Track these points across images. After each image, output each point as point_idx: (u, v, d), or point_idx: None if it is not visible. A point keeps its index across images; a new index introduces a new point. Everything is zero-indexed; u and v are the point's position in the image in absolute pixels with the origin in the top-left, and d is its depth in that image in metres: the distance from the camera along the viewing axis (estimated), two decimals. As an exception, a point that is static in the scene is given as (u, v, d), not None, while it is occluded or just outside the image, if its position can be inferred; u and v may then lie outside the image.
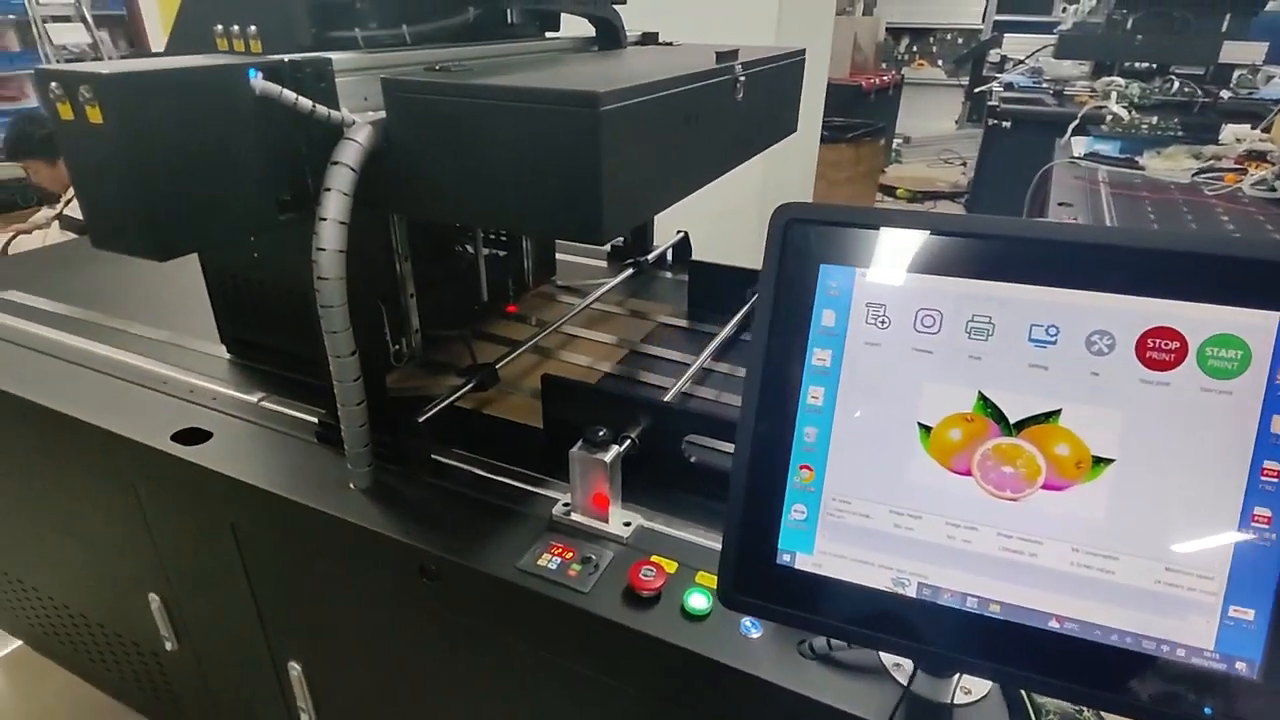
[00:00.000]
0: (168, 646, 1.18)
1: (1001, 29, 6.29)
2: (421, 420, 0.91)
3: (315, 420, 1.01)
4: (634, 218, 0.79)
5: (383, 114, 0.78)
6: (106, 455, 1.03)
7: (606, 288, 1.39)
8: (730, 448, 0.88)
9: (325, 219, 0.73)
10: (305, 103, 0.73)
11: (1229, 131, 2.94)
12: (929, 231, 0.39)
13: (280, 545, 0.96)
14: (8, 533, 1.36)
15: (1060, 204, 2.23)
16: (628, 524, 0.82)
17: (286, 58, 0.74)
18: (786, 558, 0.46)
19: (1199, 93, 4.07)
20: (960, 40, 8.01)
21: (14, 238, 2.33)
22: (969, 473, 0.41)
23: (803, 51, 1.31)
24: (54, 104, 0.62)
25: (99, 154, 0.63)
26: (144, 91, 0.61)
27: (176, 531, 1.06)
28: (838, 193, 4.40)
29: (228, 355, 1.19)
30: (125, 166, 0.62)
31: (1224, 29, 4.51)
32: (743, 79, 0.99)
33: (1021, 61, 5.29)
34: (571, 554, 0.78)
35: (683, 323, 1.34)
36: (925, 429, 0.41)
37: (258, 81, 0.70)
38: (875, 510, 0.43)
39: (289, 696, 1.09)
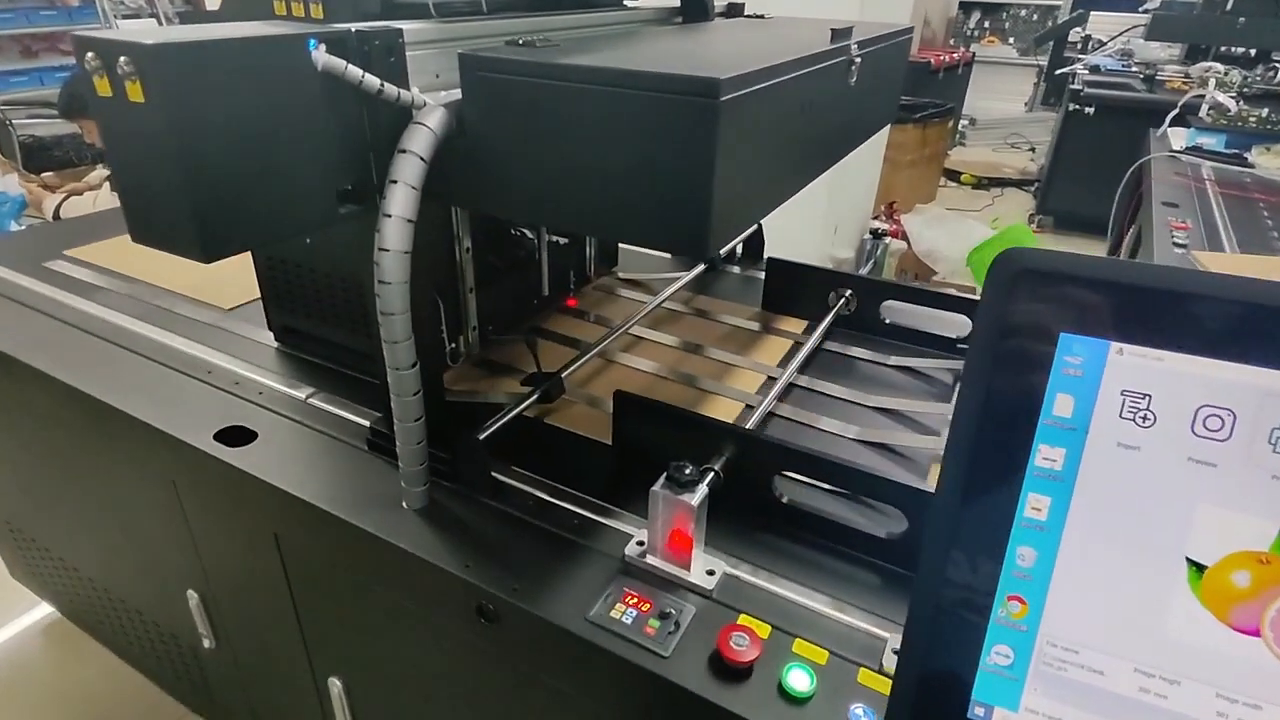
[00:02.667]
0: (206, 645, 1.13)
1: (1084, 6, 5.92)
2: (483, 438, 0.82)
3: (366, 424, 0.93)
4: (740, 226, 0.68)
5: (457, 94, 0.68)
6: (146, 449, 0.97)
7: (675, 286, 1.28)
8: (828, 489, 0.78)
9: (390, 215, 0.64)
10: (372, 80, 0.63)
11: (1345, 127, 2.68)
12: (1238, 300, 0.28)
13: (326, 560, 0.89)
14: (50, 510, 1.32)
15: (1165, 203, 2.04)
16: (711, 572, 0.72)
17: (353, 27, 0.64)
18: (980, 711, 0.36)
19: (1298, 83, 3.76)
20: (1035, 17, 7.59)
21: (66, 199, 2.30)
22: (1257, 632, 0.30)
23: (911, 30, 1.17)
24: (90, 77, 0.53)
25: (139, 137, 0.54)
26: (191, 66, 0.52)
27: (217, 533, 1.00)
28: (901, 176, 4.19)
29: (275, 344, 1.12)
30: (169, 153, 0.53)
31: None
32: (858, 60, 0.86)
33: (1104, 43, 4.97)
34: (649, 606, 0.69)
35: (755, 325, 1.23)
36: (1197, 567, 0.30)
37: (320, 55, 0.61)
38: (1113, 666, 0.33)
39: (327, 711, 1.02)
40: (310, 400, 0.99)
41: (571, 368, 1.00)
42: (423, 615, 0.82)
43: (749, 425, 0.91)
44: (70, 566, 1.40)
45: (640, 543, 0.75)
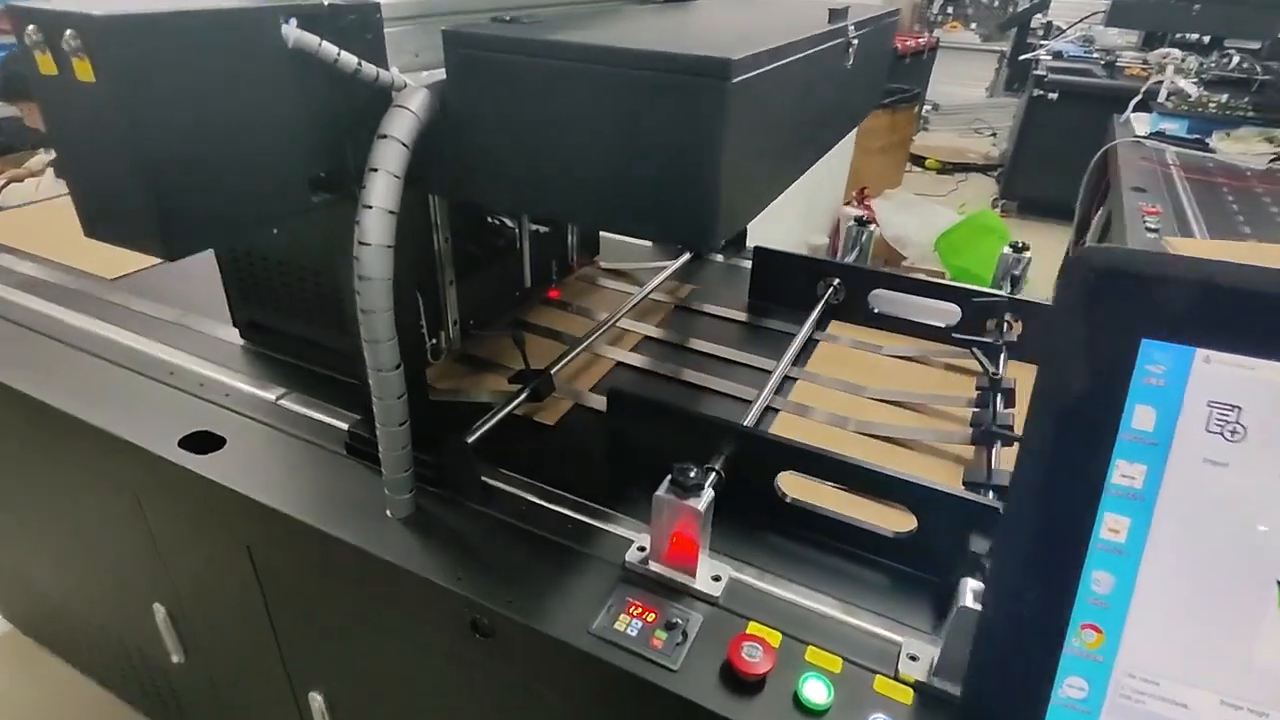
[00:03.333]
0: (174, 659, 1.07)
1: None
2: (471, 441, 0.78)
3: (344, 427, 0.88)
4: (745, 216, 0.65)
5: (439, 75, 0.64)
6: (104, 458, 0.91)
7: (662, 277, 1.24)
8: (833, 491, 0.75)
9: (371, 207, 0.59)
10: (349, 59, 0.58)
11: (1302, 113, 2.75)
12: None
13: (304, 573, 0.84)
14: (2, 521, 1.24)
15: (1134, 189, 2.06)
16: (716, 578, 0.69)
17: (326, 1, 0.59)
18: (1052, 748, 0.33)
19: (1258, 69, 3.84)
20: (996, 3, 7.66)
21: (5, 185, 2.18)
22: (1350, 659, 0.28)
23: (896, 12, 1.14)
24: (31, 53, 0.48)
25: (89, 122, 0.48)
26: (149, 41, 0.47)
27: (184, 545, 0.94)
28: (870, 162, 4.20)
29: (240, 341, 1.06)
30: (124, 138, 0.48)
31: None
32: (855, 42, 0.83)
33: (1064, 29, 5.03)
34: (654, 616, 0.66)
35: (742, 315, 1.20)
36: (1291, 592, 0.28)
37: (291, 30, 0.55)
38: (1198, 699, 0.30)
39: (308, 726, 0.98)
40: (281, 402, 0.93)
41: (560, 364, 0.96)
42: (411, 629, 0.78)
43: (746, 420, 0.88)
44: (24, 578, 1.32)
45: (641, 548, 0.72)
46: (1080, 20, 4.84)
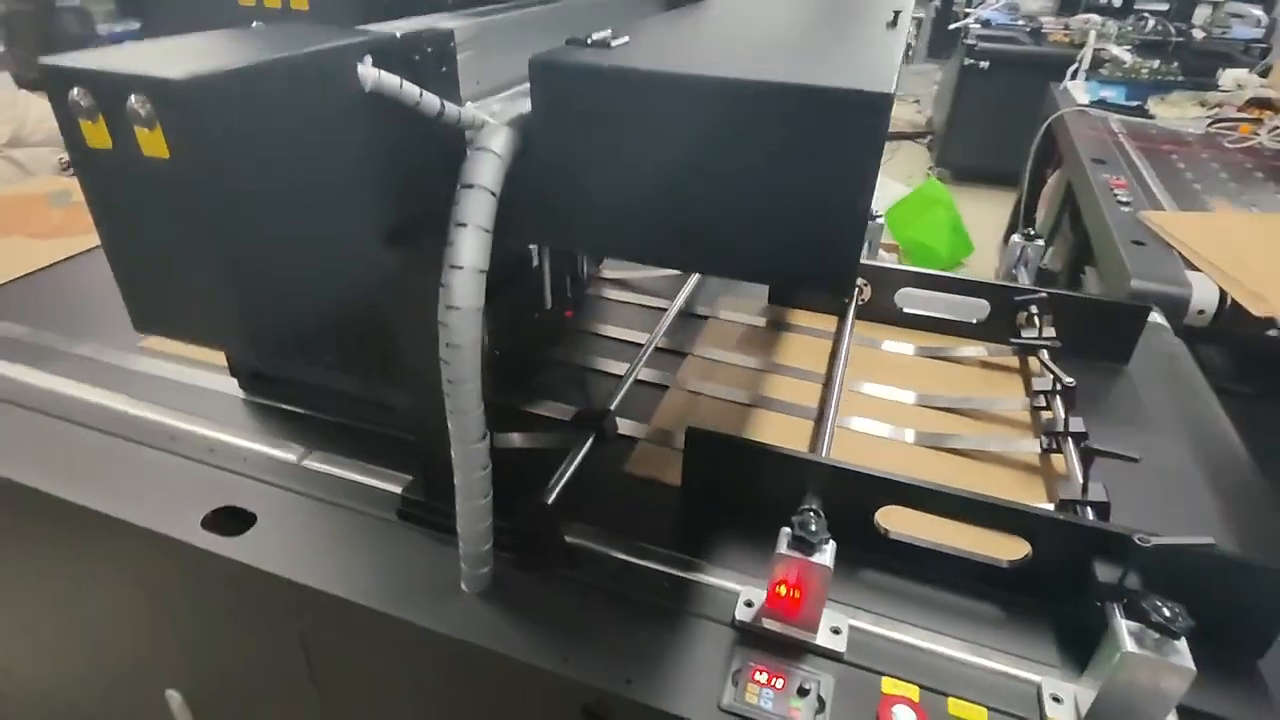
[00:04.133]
0: (192, 749, 0.97)
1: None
2: (551, 502, 0.71)
3: (385, 487, 0.80)
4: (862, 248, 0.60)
5: (516, 108, 0.56)
6: (112, 546, 0.80)
7: (688, 288, 1.19)
8: (922, 518, 0.72)
9: (462, 267, 0.52)
10: (431, 101, 0.50)
11: (1229, 77, 2.88)
12: None
13: (371, 661, 0.75)
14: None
15: (1094, 160, 2.11)
16: (836, 630, 0.65)
17: (397, 31, 0.51)
18: None
19: (1172, 31, 4.00)
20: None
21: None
22: None
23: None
24: (73, 120, 0.38)
25: (156, 203, 0.39)
26: (232, 103, 0.38)
27: (213, 633, 0.84)
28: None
29: (240, 393, 0.95)
30: (204, 221, 0.39)
31: None
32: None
33: (974, 3, 5.13)
34: (783, 681, 0.62)
35: (761, 321, 1.16)
36: None
37: (369, 71, 0.47)
38: None
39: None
40: (306, 463, 0.84)
41: (615, 398, 0.89)
42: (510, 716, 0.72)
43: (810, 444, 0.84)
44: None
45: (749, 603, 0.68)
46: (1001, -13, 4.94)
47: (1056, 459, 0.86)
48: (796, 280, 0.54)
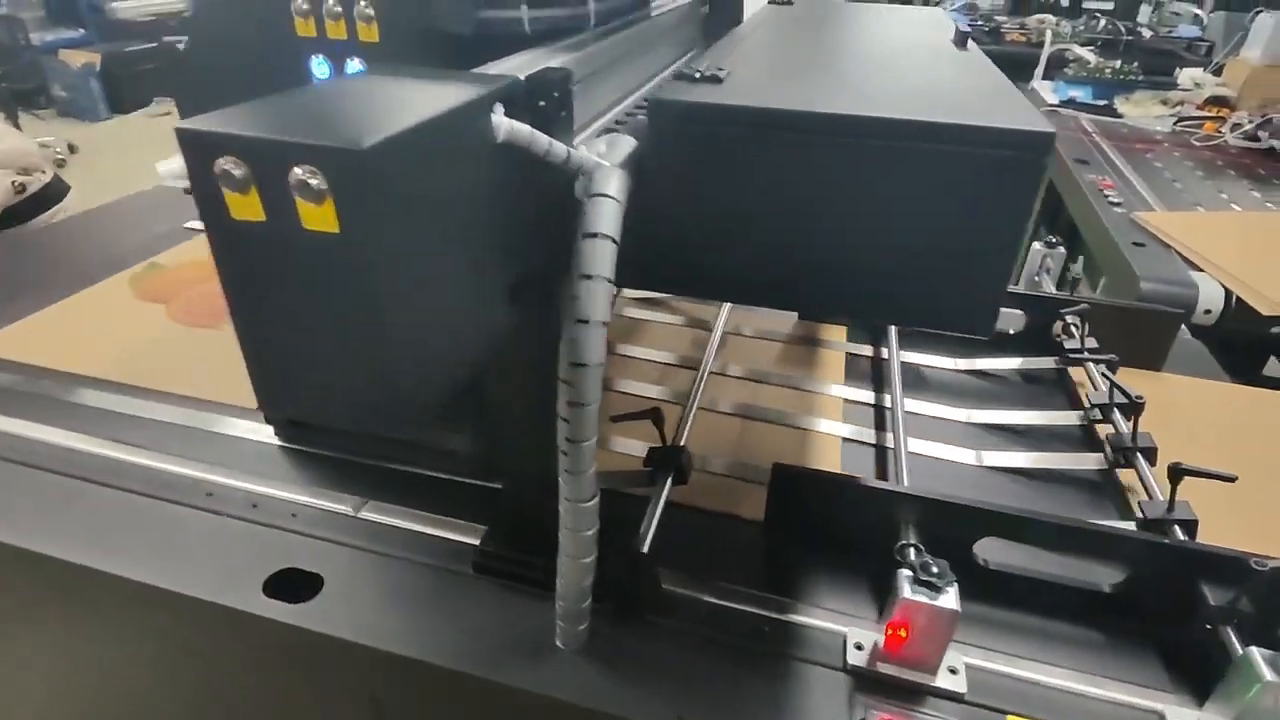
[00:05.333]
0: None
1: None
2: (647, 551, 0.68)
3: (453, 538, 0.76)
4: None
5: (620, 147, 0.53)
6: (153, 618, 0.74)
7: (726, 313, 1.16)
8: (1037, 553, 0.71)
9: (588, 321, 0.49)
10: (559, 149, 0.47)
11: (1186, 76, 2.99)
12: None
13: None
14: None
15: (1077, 160, 2.16)
16: (953, 670, 0.64)
17: (520, 74, 0.47)
18: None
19: (1122, 30, 4.13)
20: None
21: None
22: None
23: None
24: (214, 187, 0.34)
25: (310, 279, 0.35)
26: (403, 167, 0.34)
27: (270, 703, 0.79)
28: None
29: (274, 440, 0.89)
30: (366, 297, 0.35)
31: None
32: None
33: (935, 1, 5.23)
34: (911, 728, 0.60)
35: (795, 336, 1.14)
36: None
37: (502, 121, 0.43)
38: None
39: None
40: (362, 515, 0.79)
41: (684, 432, 0.86)
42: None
43: (877, 470, 0.83)
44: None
45: (858, 645, 0.66)
46: (955, -13, 5.05)
47: (1123, 476, 0.87)
48: (934, 324, 0.52)
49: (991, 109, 0.47)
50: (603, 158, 0.52)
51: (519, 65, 0.52)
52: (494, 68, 0.51)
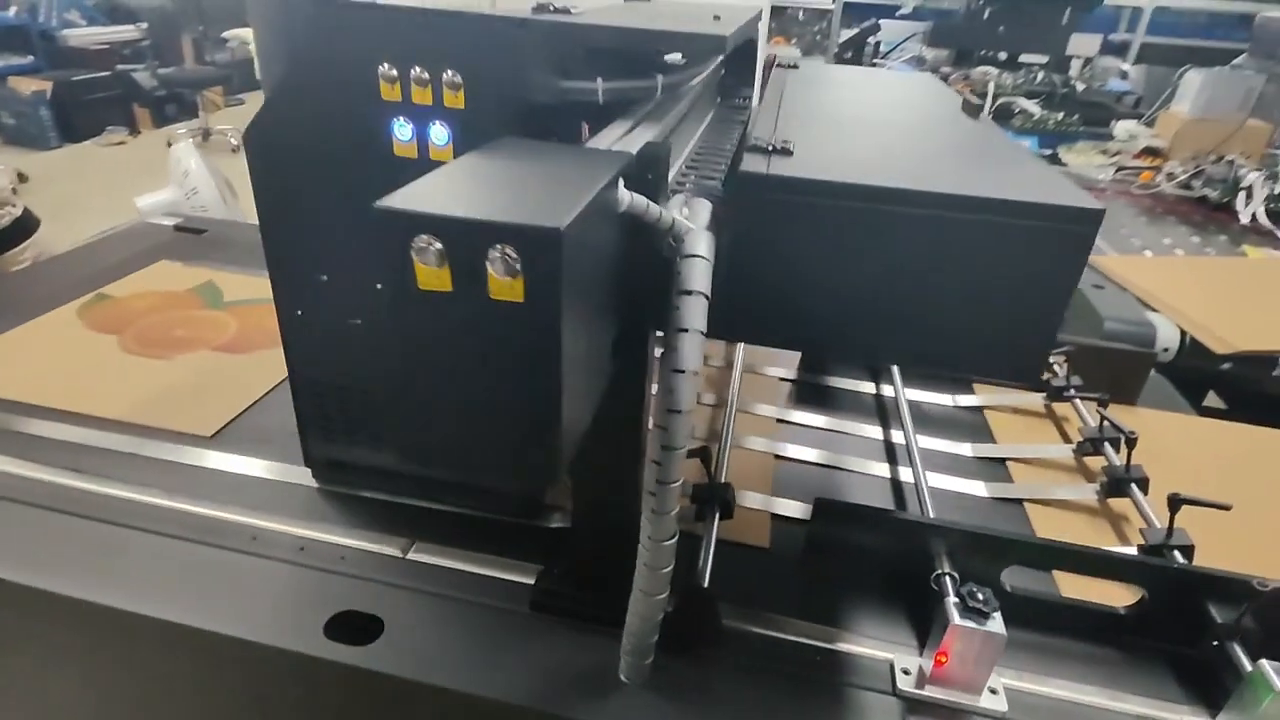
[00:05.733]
0: None
1: (854, 11, 6.59)
2: (706, 584, 0.72)
3: (505, 577, 0.78)
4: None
5: (698, 211, 0.58)
6: (207, 662, 0.74)
7: (741, 353, 1.22)
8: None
9: (684, 371, 0.53)
10: (667, 217, 0.51)
11: (1122, 128, 3.21)
12: None
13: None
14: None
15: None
16: (994, 690, 0.69)
17: (632, 149, 0.52)
18: None
19: (1057, 84, 4.41)
20: (802, 17, 8.25)
21: None
22: None
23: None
24: (401, 259, 0.37)
25: (487, 343, 0.39)
26: (582, 242, 0.38)
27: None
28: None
29: (313, 483, 0.90)
30: (540, 362, 0.39)
31: (1064, 21, 4.86)
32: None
33: (882, 54, 5.52)
34: (962, 747, 0.64)
35: (787, 374, 1.20)
36: None
37: (624, 193, 0.48)
38: None
39: None
40: (412, 556, 0.81)
41: (723, 468, 0.90)
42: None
43: (895, 501, 0.88)
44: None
45: (906, 670, 0.70)
46: (904, 40, 5.35)
47: (1113, 504, 0.94)
48: (986, 372, 0.58)
49: (1042, 185, 0.54)
50: (688, 220, 0.57)
51: (616, 139, 0.57)
52: (597, 141, 0.56)
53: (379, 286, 0.39)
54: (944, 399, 1.16)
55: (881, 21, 5.61)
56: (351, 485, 0.89)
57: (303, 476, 0.91)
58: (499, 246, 0.36)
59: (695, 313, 0.53)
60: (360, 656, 0.69)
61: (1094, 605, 0.76)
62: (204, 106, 6.00)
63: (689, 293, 0.53)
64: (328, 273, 0.75)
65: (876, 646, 0.74)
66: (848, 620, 0.76)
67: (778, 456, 1.00)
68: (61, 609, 0.74)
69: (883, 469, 0.99)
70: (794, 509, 0.90)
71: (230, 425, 0.99)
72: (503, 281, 0.36)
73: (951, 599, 0.66)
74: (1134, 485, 0.90)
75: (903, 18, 6.05)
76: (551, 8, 0.65)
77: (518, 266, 0.36)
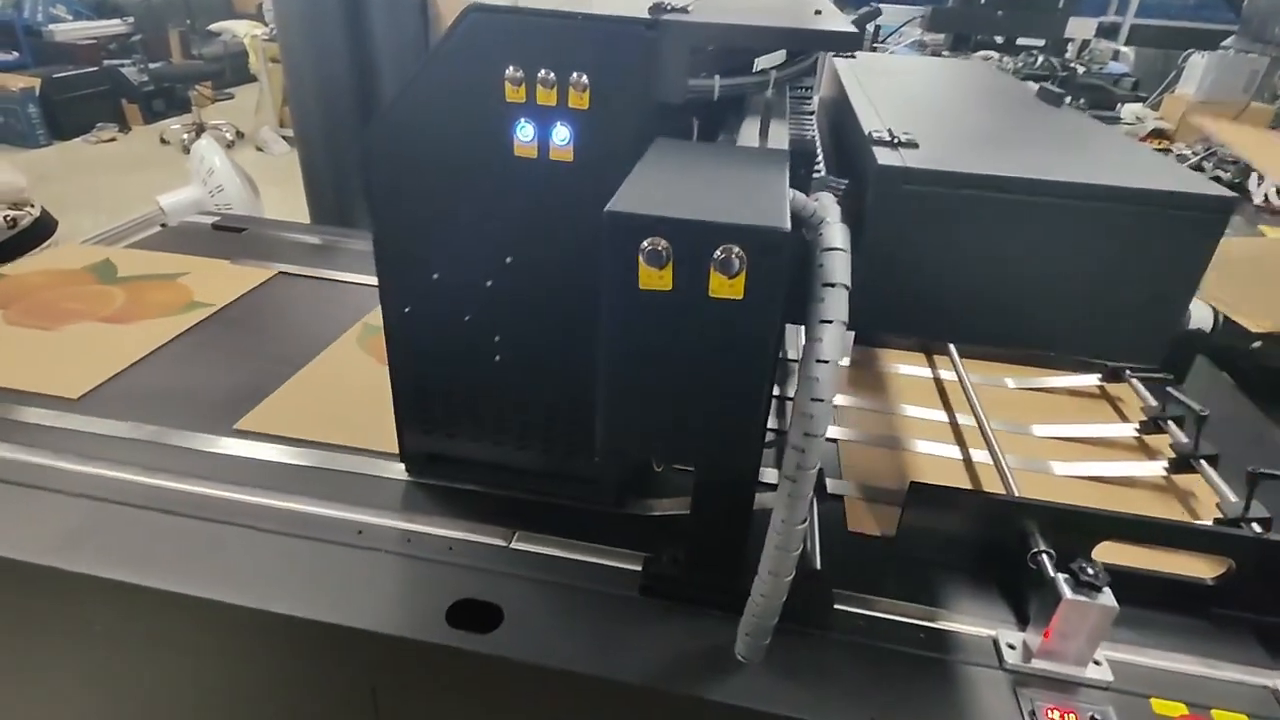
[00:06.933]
0: None
1: (852, -5, 6.58)
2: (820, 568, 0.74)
3: (607, 564, 0.80)
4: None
5: (827, 204, 0.60)
6: (334, 653, 0.76)
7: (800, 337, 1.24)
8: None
9: (828, 361, 0.55)
10: (813, 207, 0.53)
11: (1128, 110, 3.25)
12: None
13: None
14: None
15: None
16: (1097, 661, 0.72)
17: (786, 145, 0.53)
18: None
19: (1057, 67, 4.44)
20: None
21: None
22: None
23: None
24: (632, 262, 0.39)
25: (707, 337, 0.41)
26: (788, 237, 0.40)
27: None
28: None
29: (406, 476, 0.92)
30: (757, 351, 0.41)
31: (1061, 3, 4.86)
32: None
33: (882, 39, 5.54)
34: (1074, 716, 0.67)
35: (855, 358, 1.22)
36: None
37: (791, 191, 0.50)
38: None
39: None
40: (515, 546, 0.83)
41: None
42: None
43: (972, 482, 0.91)
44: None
45: (1011, 645, 0.73)
46: (902, 25, 5.37)
47: (1179, 480, 0.97)
48: (1111, 355, 0.60)
49: (1171, 173, 0.56)
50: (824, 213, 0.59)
51: (756, 136, 0.58)
52: (741, 139, 0.57)
53: (604, 289, 0.41)
54: (1000, 380, 1.18)
55: (880, 6, 5.62)
56: (447, 478, 0.91)
57: (394, 470, 0.92)
58: (726, 246, 0.37)
59: (838, 304, 0.55)
60: (486, 643, 0.71)
61: (1184, 577, 0.79)
62: (196, 101, 5.93)
63: (832, 285, 0.55)
64: (439, 271, 0.76)
65: (976, 623, 0.76)
66: (944, 598, 0.79)
67: (847, 441, 1.02)
68: (162, 605, 0.75)
69: (952, 450, 1.01)
70: (882, 492, 0.92)
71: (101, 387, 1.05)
72: (723, 279, 0.38)
73: (1061, 575, 0.69)
74: (1203, 461, 0.93)
75: (900, 2, 6.06)
76: (669, 7, 0.67)
77: (741, 265, 0.38)
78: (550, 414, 0.83)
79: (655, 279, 0.39)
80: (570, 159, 0.68)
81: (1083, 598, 0.67)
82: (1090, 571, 0.68)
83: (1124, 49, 4.81)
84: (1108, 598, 0.67)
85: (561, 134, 0.66)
